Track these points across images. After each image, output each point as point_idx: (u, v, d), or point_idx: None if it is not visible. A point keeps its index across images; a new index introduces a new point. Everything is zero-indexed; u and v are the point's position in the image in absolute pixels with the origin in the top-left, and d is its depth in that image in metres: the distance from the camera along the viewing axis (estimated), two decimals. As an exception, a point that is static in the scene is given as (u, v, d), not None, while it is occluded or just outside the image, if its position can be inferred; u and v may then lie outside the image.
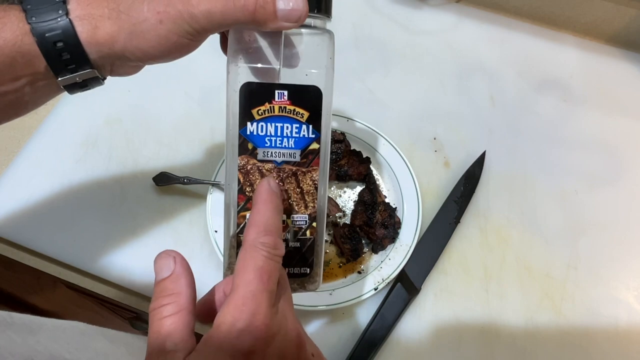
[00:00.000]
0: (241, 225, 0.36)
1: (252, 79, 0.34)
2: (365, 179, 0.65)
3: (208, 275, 0.60)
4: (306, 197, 0.36)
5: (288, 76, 0.35)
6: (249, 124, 0.34)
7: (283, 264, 0.32)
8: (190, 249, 0.61)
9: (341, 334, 0.57)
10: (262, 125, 0.35)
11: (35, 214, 0.63)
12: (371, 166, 0.66)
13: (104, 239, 0.62)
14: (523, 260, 0.62)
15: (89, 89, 0.39)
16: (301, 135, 0.35)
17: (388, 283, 0.57)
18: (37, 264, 0.63)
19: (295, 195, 0.36)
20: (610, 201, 0.68)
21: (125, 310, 0.80)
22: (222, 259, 0.58)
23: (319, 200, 0.37)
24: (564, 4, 0.82)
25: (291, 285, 0.36)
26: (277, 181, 0.35)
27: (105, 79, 0.39)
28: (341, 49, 0.81)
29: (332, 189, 0.66)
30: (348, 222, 0.63)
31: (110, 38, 0.34)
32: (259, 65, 0.35)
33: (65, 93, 0.38)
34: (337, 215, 0.63)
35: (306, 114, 0.35)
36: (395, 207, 0.62)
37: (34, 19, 0.33)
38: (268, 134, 0.35)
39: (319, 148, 0.36)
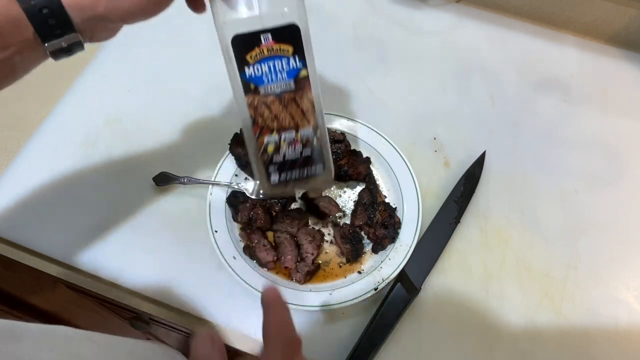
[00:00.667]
0: (262, 148, 0.44)
1: (239, 31, 0.40)
2: (365, 179, 0.65)
3: (208, 275, 0.60)
4: (307, 114, 0.43)
5: (269, 21, 0.40)
6: (246, 68, 0.41)
7: (300, 171, 0.43)
8: (190, 249, 0.61)
9: (341, 334, 0.57)
10: (257, 67, 0.41)
11: (35, 214, 0.63)
12: (371, 166, 0.66)
13: (104, 239, 0.62)
14: (523, 260, 0.62)
15: (72, 54, 0.40)
16: (291, 67, 0.41)
17: (388, 283, 0.57)
18: (37, 264, 0.63)
19: (298, 116, 0.43)
20: (610, 201, 0.68)
21: (125, 310, 0.80)
22: (221, 258, 0.58)
23: (317, 114, 0.44)
24: (564, 4, 0.82)
25: (310, 193, 0.48)
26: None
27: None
28: (341, 49, 0.81)
29: (332, 189, 0.66)
30: (348, 222, 0.63)
31: (93, 1, 0.36)
32: (244, 16, 0.39)
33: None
34: (337, 215, 0.63)
35: (290, 49, 0.41)
36: (395, 207, 0.62)
37: None
38: (264, 72, 0.41)
39: (307, 74, 0.42)
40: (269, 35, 0.40)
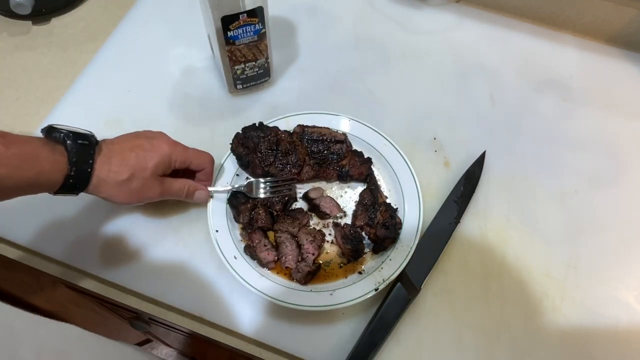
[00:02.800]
0: (233, 72, 0.69)
1: (226, 12, 0.60)
2: (366, 179, 0.65)
3: (208, 275, 0.60)
4: (262, 52, 0.68)
5: (248, 5, 0.61)
6: (228, 32, 0.63)
7: (255, 81, 0.73)
8: (191, 249, 0.61)
9: (341, 334, 0.57)
10: (235, 31, 0.63)
11: (35, 214, 0.63)
12: (372, 167, 0.66)
13: (104, 239, 0.62)
14: (523, 260, 0.62)
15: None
16: (256, 29, 0.65)
17: (389, 284, 0.57)
18: (37, 264, 0.63)
19: (257, 53, 0.68)
20: (610, 201, 0.68)
21: (125, 310, 0.80)
22: (222, 258, 0.58)
23: (268, 51, 0.69)
24: (564, 4, 0.82)
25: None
26: None
27: None
28: (341, 49, 0.81)
29: (333, 189, 0.66)
30: (349, 222, 0.63)
31: (106, 195, 0.53)
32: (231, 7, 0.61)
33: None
34: (338, 215, 0.63)
35: (256, 20, 0.63)
36: (396, 208, 0.62)
37: (74, 169, 0.49)
38: (239, 34, 0.64)
39: (265, 31, 0.66)
40: (245, 14, 0.62)
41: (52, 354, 0.36)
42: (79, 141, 0.49)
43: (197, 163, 0.60)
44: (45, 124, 0.70)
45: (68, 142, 0.49)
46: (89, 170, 0.50)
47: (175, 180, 0.58)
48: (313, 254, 0.59)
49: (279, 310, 0.58)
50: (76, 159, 0.49)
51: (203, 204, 0.61)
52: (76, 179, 0.49)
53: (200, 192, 0.60)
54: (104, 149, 0.52)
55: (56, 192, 0.50)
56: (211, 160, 0.62)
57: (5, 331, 0.33)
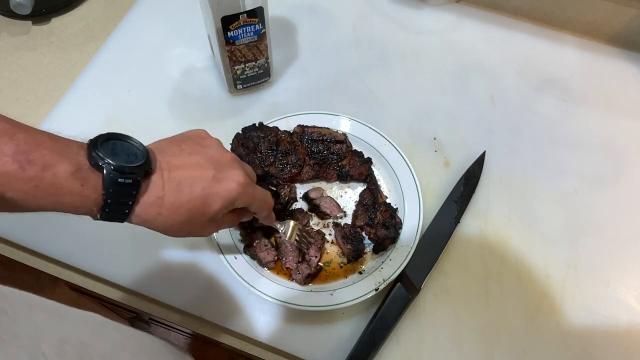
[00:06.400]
0: (233, 72, 0.69)
1: (226, 13, 0.60)
2: (366, 179, 0.65)
3: (208, 275, 0.60)
4: (262, 52, 0.68)
5: (248, 5, 0.61)
6: (228, 32, 0.63)
7: (255, 81, 0.72)
8: (191, 249, 0.61)
9: (341, 334, 0.57)
10: (235, 31, 0.63)
11: (36, 214, 0.63)
12: (372, 167, 0.66)
13: (104, 239, 0.62)
14: (523, 260, 0.62)
15: None
16: (256, 30, 0.64)
17: (389, 284, 0.57)
18: (37, 264, 0.63)
19: (257, 53, 0.68)
20: (610, 201, 0.68)
21: (125, 310, 0.80)
22: (222, 258, 0.58)
23: (268, 51, 0.69)
24: (564, 4, 0.82)
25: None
26: None
27: None
28: (341, 49, 0.81)
29: (333, 189, 0.66)
30: (349, 222, 0.63)
31: (149, 225, 0.43)
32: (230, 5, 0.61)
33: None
34: (338, 215, 0.63)
35: (256, 20, 0.63)
36: (397, 208, 0.62)
37: (106, 210, 0.40)
38: (239, 34, 0.64)
39: (265, 31, 0.66)
40: (245, 14, 0.62)
41: (73, 347, 0.35)
42: (119, 180, 0.38)
43: (256, 208, 0.50)
44: (45, 124, 0.70)
45: (105, 177, 0.38)
46: (126, 211, 0.41)
47: (225, 216, 0.48)
48: (315, 257, 0.59)
49: (279, 311, 0.58)
50: (111, 200, 0.39)
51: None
52: (107, 219, 0.41)
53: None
54: (155, 183, 0.41)
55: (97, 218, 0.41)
56: (270, 208, 0.53)
57: (29, 324, 0.33)
